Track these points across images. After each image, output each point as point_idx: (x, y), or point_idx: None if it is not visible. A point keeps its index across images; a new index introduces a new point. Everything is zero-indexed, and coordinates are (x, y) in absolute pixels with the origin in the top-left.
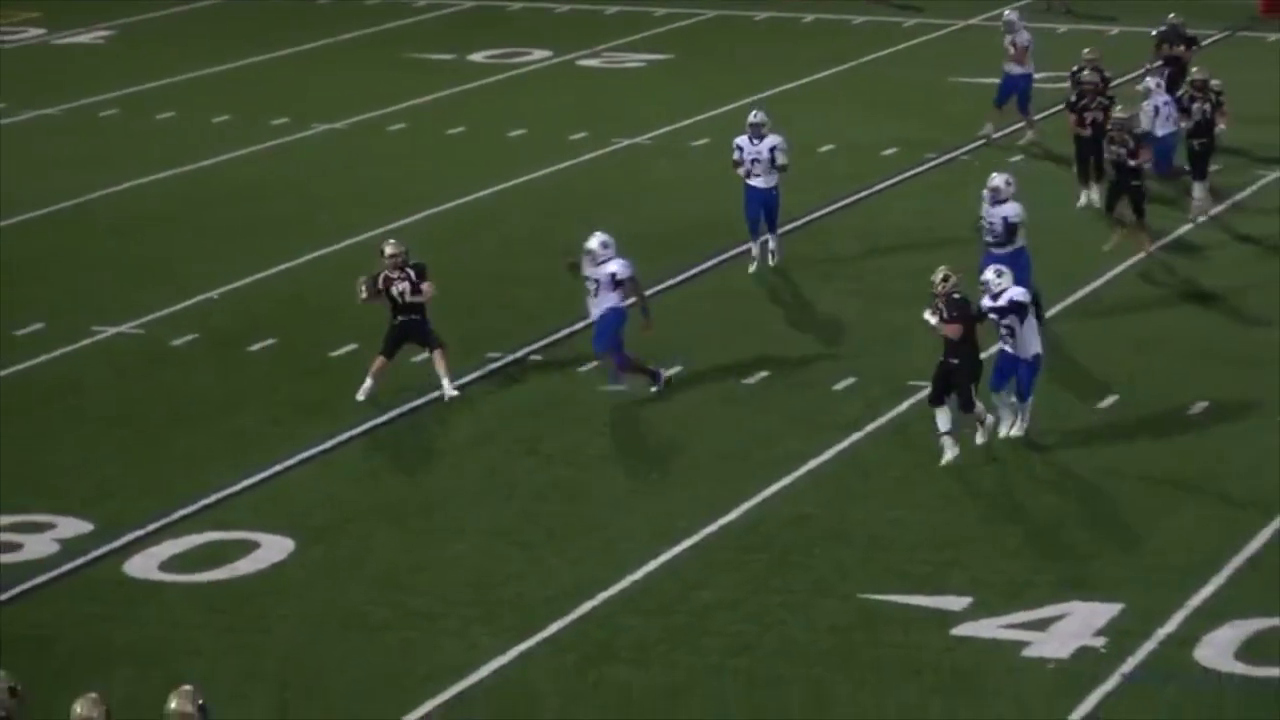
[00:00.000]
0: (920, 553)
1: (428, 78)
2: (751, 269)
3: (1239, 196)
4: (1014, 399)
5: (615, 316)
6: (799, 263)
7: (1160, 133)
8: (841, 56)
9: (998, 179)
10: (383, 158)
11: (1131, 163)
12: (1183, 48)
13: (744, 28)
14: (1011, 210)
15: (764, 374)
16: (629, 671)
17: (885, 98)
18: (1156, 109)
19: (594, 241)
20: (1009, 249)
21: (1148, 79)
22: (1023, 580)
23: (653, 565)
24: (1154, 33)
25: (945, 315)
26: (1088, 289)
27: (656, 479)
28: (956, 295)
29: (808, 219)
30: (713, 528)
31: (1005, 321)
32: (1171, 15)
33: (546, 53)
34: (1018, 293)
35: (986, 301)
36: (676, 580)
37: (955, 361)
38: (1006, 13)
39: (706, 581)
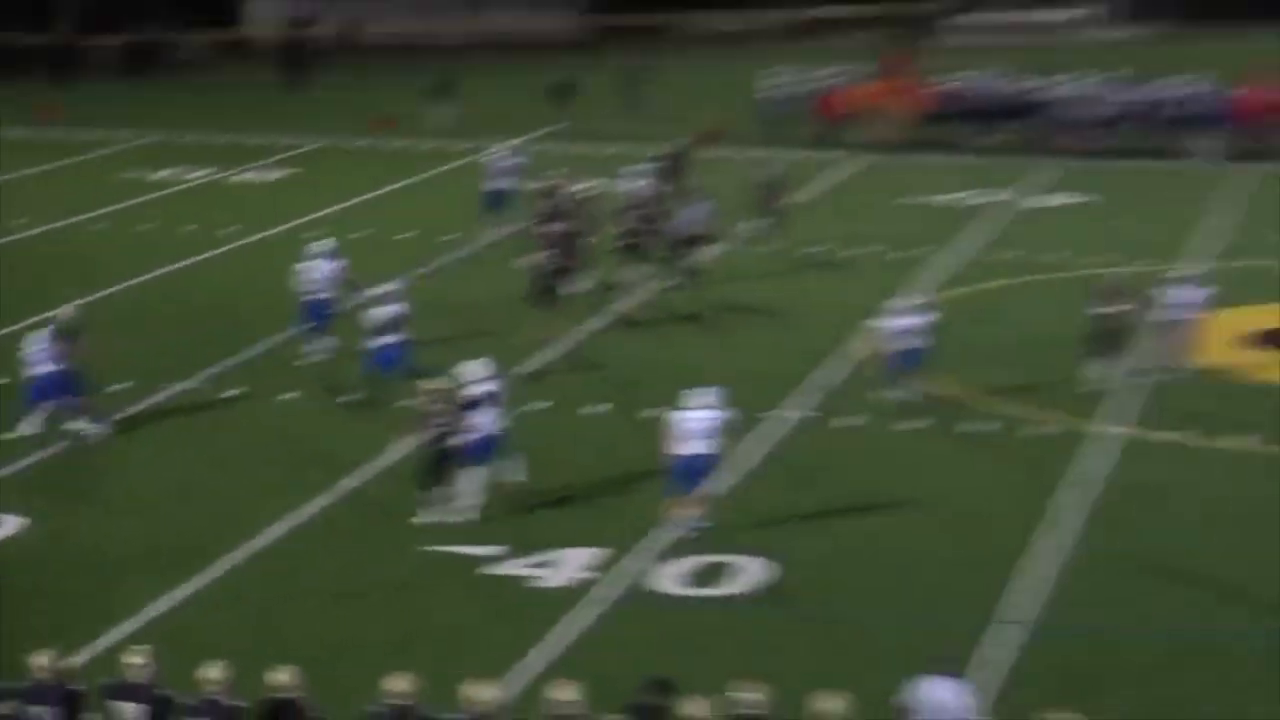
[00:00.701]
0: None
1: (132, 190)
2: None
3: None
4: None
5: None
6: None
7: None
8: (413, 170)
9: (386, 287)
10: (87, 250)
11: (566, 264)
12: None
13: (348, 152)
14: (396, 309)
15: (355, 397)
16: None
17: (447, 199)
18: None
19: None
20: (397, 337)
21: (622, 170)
22: (540, 532)
23: (280, 529)
24: (666, 151)
25: (454, 417)
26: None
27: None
28: (459, 396)
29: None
30: (323, 502)
31: (479, 406)
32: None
33: (211, 169)
34: (491, 384)
35: (469, 390)
36: (293, 540)
37: (447, 445)
38: (505, 145)
39: (318, 542)
